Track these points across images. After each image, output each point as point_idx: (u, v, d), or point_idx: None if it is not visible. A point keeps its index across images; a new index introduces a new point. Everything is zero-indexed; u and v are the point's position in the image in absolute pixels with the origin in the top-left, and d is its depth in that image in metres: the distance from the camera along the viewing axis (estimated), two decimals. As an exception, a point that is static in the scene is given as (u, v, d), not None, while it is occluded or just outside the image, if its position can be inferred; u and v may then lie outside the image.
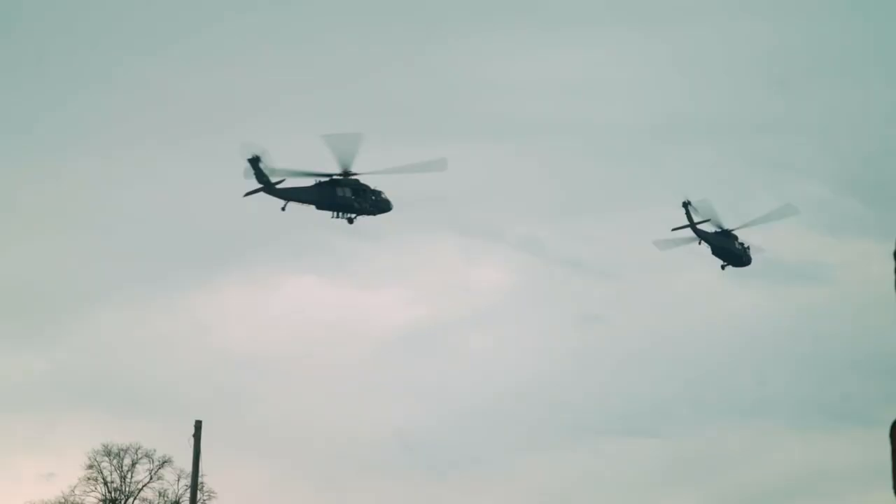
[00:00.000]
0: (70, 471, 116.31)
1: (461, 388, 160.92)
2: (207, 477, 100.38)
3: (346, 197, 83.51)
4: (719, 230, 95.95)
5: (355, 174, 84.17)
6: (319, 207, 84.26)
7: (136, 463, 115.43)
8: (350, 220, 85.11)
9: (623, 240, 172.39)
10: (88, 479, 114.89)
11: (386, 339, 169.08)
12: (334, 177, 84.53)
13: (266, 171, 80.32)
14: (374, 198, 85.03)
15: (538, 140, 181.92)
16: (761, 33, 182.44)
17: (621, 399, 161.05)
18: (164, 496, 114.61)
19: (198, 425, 74.63)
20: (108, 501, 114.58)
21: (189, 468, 78.47)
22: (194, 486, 78.38)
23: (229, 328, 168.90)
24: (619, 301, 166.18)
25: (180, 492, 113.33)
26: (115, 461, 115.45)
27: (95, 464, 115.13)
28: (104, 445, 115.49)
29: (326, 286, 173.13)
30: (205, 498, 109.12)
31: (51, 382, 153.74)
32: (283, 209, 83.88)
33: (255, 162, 79.14)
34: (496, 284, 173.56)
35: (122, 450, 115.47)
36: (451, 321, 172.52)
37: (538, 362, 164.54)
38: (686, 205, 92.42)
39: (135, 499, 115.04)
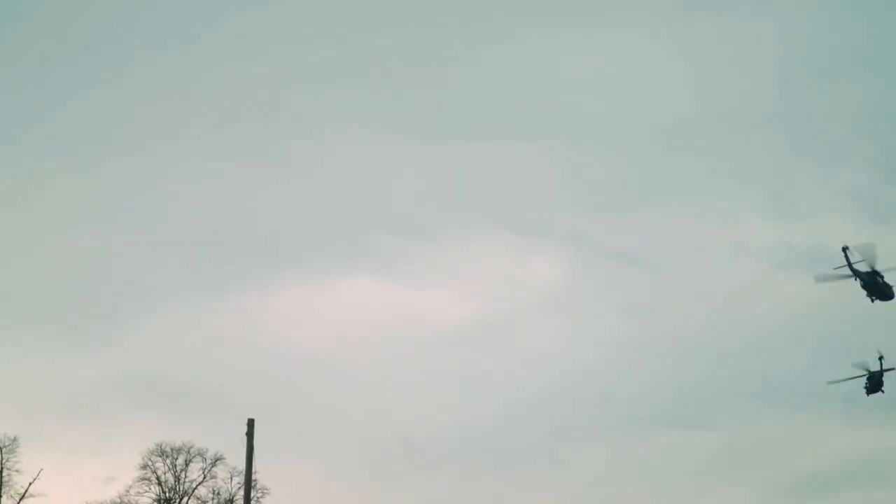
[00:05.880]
0: (128, 473, 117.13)
1: (513, 383, 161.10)
2: (260, 474, 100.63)
3: (880, 283, 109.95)
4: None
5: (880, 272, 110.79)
6: (863, 286, 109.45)
7: (189, 462, 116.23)
8: (872, 300, 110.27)
9: (671, 232, 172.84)
10: (143, 479, 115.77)
11: (438, 338, 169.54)
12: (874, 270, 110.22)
13: (851, 257, 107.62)
14: (891, 288, 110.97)
15: (585, 134, 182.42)
16: (800, 22, 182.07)
17: (672, 391, 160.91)
18: (217, 494, 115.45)
19: (250, 423, 75.35)
20: (162, 501, 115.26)
21: (241, 466, 79.32)
22: (248, 483, 79.08)
23: (282, 329, 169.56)
24: (668, 293, 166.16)
25: (234, 490, 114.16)
26: (168, 461, 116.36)
27: (149, 464, 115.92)
28: (158, 445, 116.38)
29: (378, 286, 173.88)
30: (258, 495, 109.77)
31: (105, 386, 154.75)
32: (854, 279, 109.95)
33: (845, 250, 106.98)
34: (546, 279, 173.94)
35: (176, 449, 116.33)
36: (502, 317, 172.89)
37: (589, 356, 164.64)
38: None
39: (189, 497, 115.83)
